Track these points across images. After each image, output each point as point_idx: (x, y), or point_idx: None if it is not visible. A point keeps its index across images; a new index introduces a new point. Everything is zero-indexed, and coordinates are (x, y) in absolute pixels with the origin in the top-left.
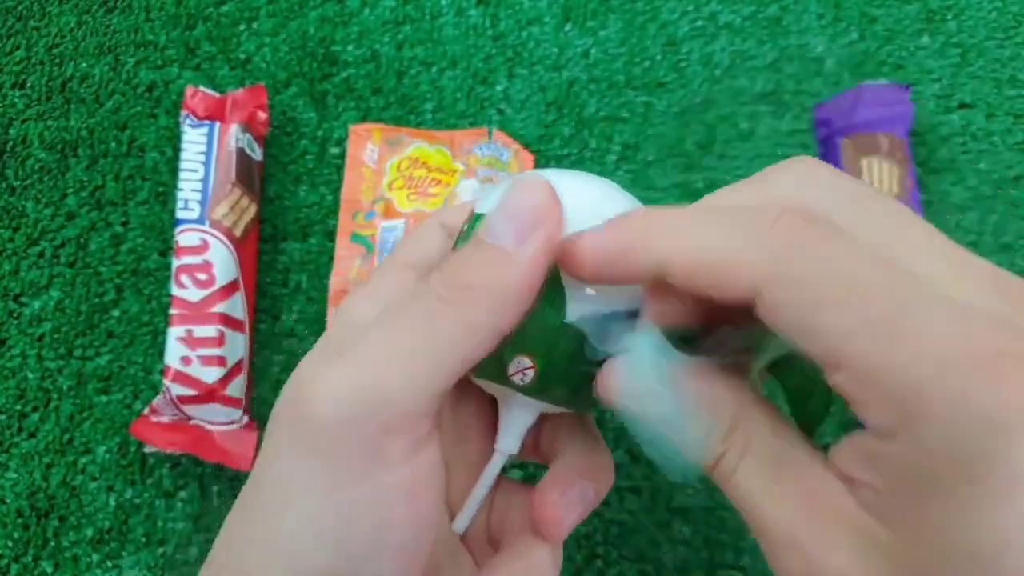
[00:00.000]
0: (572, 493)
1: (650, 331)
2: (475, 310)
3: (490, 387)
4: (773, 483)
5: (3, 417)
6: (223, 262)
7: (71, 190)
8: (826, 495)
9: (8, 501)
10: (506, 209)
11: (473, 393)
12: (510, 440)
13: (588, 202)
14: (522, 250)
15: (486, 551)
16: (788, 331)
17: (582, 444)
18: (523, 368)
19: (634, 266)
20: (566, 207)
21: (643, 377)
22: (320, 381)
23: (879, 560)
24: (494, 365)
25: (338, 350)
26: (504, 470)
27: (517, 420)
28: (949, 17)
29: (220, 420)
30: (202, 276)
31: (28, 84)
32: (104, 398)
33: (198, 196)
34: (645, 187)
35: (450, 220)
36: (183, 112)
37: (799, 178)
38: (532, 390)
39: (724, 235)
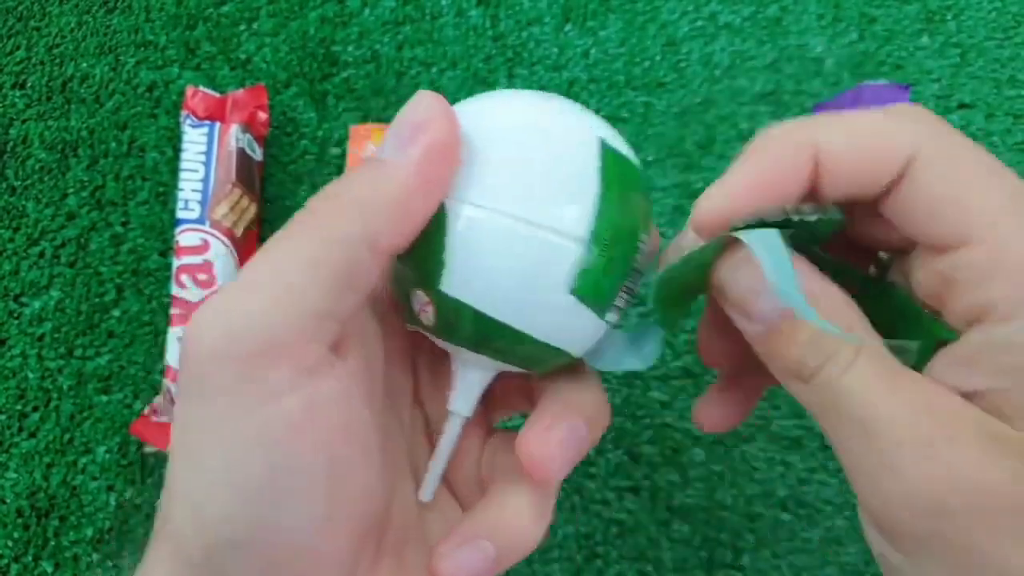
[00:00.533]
0: (560, 428)
1: (778, 233)
2: (342, 221)
3: (436, 341)
4: (890, 383)
5: (3, 417)
6: (223, 262)
7: (71, 190)
8: (946, 400)
9: (8, 501)
10: (392, 125)
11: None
12: (462, 401)
13: (516, 118)
14: (398, 157)
15: (476, 499)
16: (930, 207)
17: (571, 379)
18: (422, 304)
19: (789, 162)
20: (491, 127)
21: (777, 269)
22: (193, 323)
23: (1011, 457)
24: (406, 303)
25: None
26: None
27: (469, 379)
28: (949, 17)
29: None
30: (202, 276)
31: (28, 84)
32: (104, 398)
33: (198, 196)
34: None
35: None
36: (183, 112)
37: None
38: (439, 330)
39: (874, 120)
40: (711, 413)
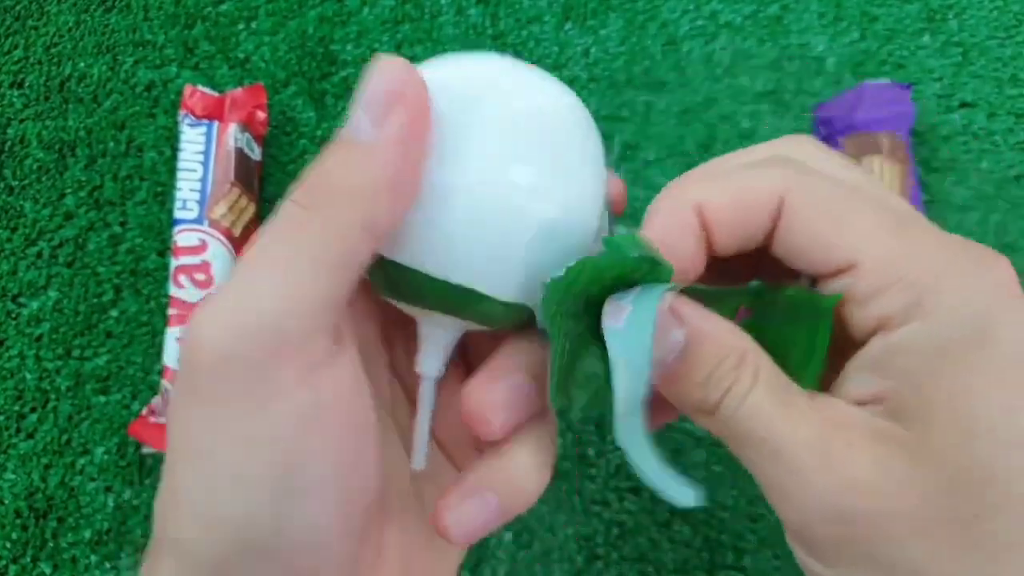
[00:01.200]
0: (501, 384)
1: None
2: (339, 211)
3: (401, 306)
4: (787, 406)
5: (1, 418)
6: (222, 262)
7: (69, 190)
8: (840, 413)
9: (6, 502)
10: (360, 99)
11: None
12: (430, 361)
13: (474, 81)
14: (380, 136)
15: (471, 456)
16: (808, 241)
17: (522, 338)
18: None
19: (679, 226)
20: (450, 90)
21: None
22: (195, 324)
23: (900, 458)
24: (378, 273)
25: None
26: None
27: (433, 339)
28: (950, 16)
29: None
30: (200, 276)
31: (26, 84)
32: (102, 399)
33: (196, 196)
34: (645, 187)
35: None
36: (181, 112)
37: (793, 143)
38: (411, 297)
39: (744, 174)
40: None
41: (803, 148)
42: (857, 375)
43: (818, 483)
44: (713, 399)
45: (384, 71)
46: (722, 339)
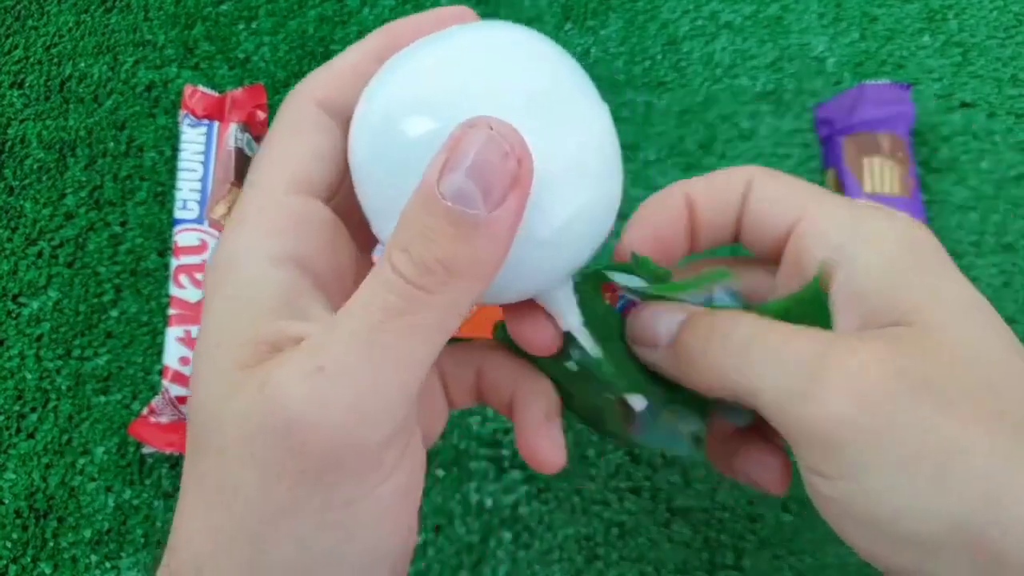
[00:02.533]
0: (550, 426)
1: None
2: (455, 293)
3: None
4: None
5: (1, 418)
6: None
7: (69, 190)
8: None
9: (7, 502)
10: (471, 166)
11: None
12: (571, 317)
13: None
14: (498, 218)
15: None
16: (762, 217)
17: (520, 370)
18: None
19: (667, 203)
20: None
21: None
22: (305, 401)
23: (908, 346)
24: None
25: (309, 360)
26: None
27: (563, 296)
28: (950, 16)
29: None
30: (201, 276)
31: (26, 84)
32: (103, 398)
33: (197, 196)
34: (645, 187)
35: (334, 94)
36: (182, 112)
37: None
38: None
39: (724, 171)
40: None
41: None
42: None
43: (833, 380)
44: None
45: (499, 138)
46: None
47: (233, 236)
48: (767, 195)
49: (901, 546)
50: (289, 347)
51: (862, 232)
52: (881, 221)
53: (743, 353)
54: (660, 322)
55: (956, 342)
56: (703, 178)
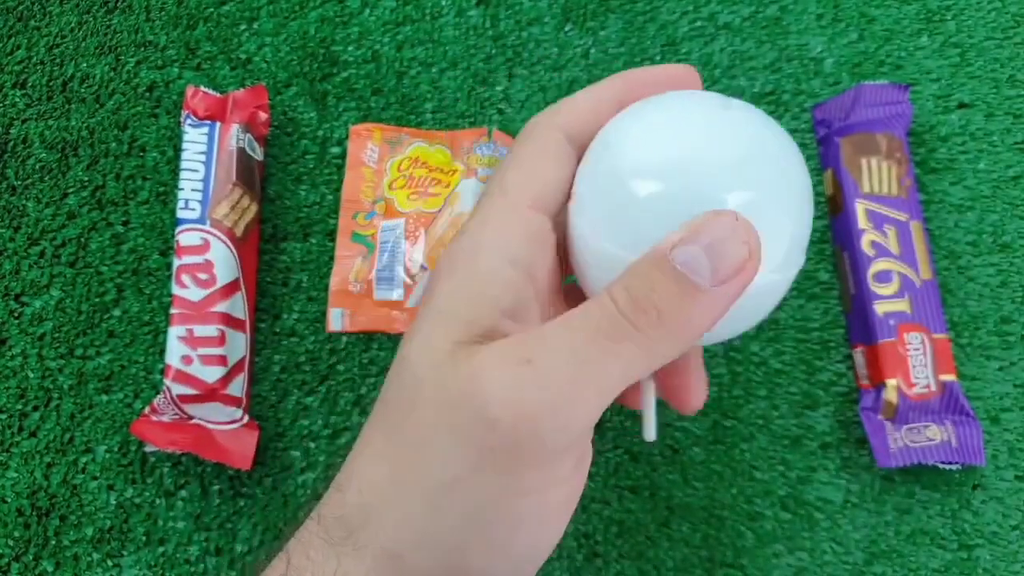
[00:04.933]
0: (697, 369)
1: None
2: (658, 339)
3: None
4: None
5: (4, 416)
6: (224, 262)
7: (72, 190)
8: None
9: (9, 500)
10: (710, 245)
11: None
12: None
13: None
14: (720, 294)
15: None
16: None
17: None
18: None
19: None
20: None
21: None
22: (505, 388)
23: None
24: None
25: (518, 352)
26: None
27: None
28: (948, 17)
29: (221, 419)
30: (203, 276)
31: (29, 84)
32: (105, 397)
33: (199, 196)
34: None
35: (575, 128)
36: (184, 112)
37: None
38: None
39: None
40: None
41: None
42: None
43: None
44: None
45: (740, 230)
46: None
47: (478, 231)
48: None
49: None
50: (499, 340)
51: None
52: None
53: None
54: None
55: None
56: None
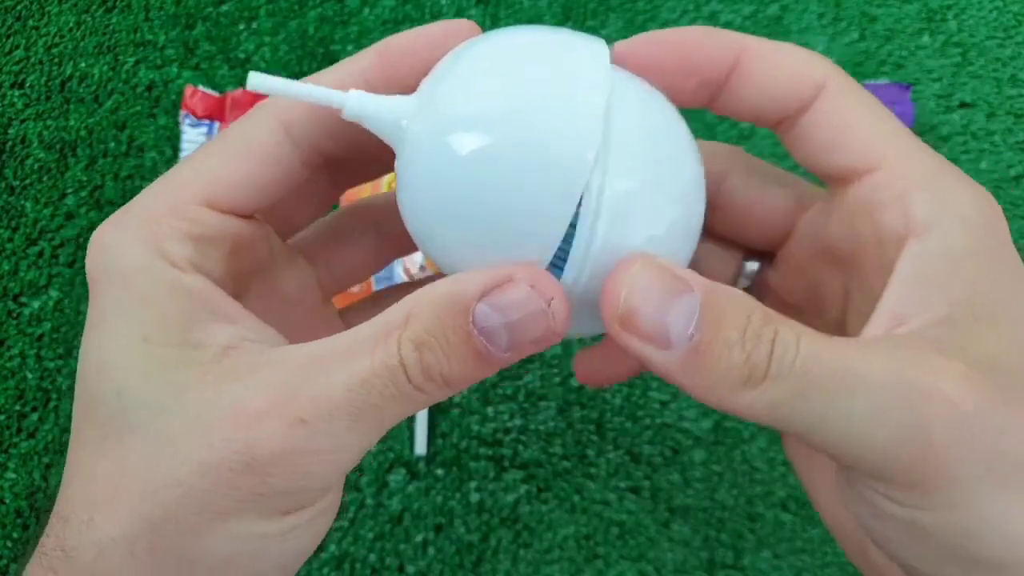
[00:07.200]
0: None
1: None
2: (441, 396)
3: None
4: (846, 343)
5: (2, 417)
6: None
7: (70, 190)
8: (906, 339)
9: (7, 501)
10: (511, 325)
11: None
12: None
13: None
14: (510, 359)
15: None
16: (834, 136)
17: None
18: None
19: (712, 47)
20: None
21: None
22: (278, 448)
23: (984, 369)
24: None
25: (293, 410)
26: None
27: None
28: (950, 16)
29: None
30: None
31: (27, 84)
32: None
33: None
34: None
35: (297, 118)
36: (182, 112)
37: None
38: None
39: (798, 49)
40: (590, 367)
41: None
42: (905, 290)
43: (907, 409)
44: (761, 356)
45: (533, 297)
46: (736, 294)
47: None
48: (845, 120)
49: (972, 566)
50: (231, 352)
51: (948, 204)
52: (965, 192)
53: (836, 394)
54: (674, 309)
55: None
56: (772, 42)
